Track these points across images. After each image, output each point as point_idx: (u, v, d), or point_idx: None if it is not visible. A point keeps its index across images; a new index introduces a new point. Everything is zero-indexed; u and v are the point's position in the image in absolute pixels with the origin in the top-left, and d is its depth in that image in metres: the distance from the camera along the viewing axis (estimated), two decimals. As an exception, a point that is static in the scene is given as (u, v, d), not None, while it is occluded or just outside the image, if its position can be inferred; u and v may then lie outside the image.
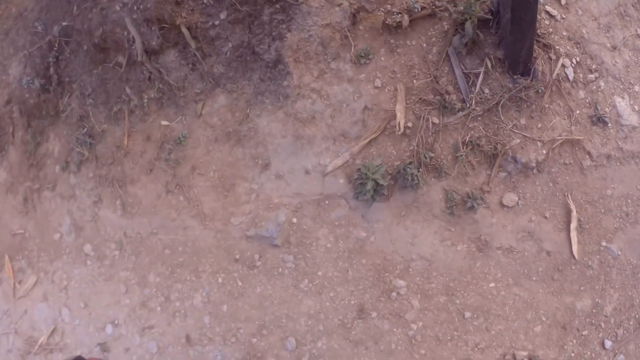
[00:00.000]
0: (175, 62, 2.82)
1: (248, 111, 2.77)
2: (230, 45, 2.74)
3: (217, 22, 2.72)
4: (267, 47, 2.69)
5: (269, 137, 2.74)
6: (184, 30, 2.71)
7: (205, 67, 2.78)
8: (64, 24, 3.14)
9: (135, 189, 3.06)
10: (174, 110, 2.87)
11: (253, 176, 2.78)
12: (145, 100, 2.94)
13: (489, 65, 2.70)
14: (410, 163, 2.62)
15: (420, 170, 2.66)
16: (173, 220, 2.95)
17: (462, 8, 2.59)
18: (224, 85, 2.76)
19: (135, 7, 2.83)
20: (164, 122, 2.92)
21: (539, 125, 2.85)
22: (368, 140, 2.68)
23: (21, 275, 3.57)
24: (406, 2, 2.69)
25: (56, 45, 3.26)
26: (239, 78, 2.76)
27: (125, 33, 2.87)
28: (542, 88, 2.81)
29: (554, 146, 2.86)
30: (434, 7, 2.67)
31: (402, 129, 2.64)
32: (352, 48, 2.66)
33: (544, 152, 2.87)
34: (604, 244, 3.04)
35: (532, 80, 2.78)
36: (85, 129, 3.20)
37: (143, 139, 3.00)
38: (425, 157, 2.65)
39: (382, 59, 2.70)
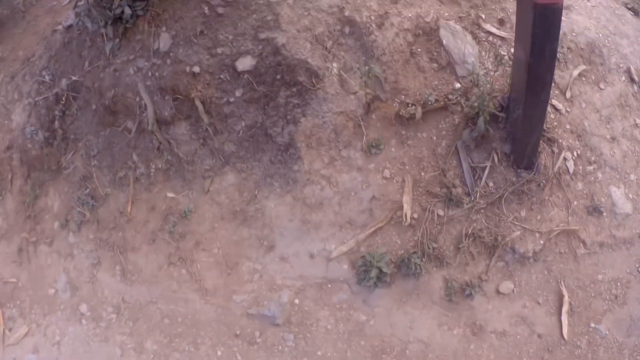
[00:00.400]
0: (186, 135, 2.68)
1: (256, 192, 2.64)
2: (243, 124, 2.61)
3: (232, 99, 2.59)
4: (280, 130, 2.57)
5: (275, 220, 2.63)
6: (198, 103, 2.57)
7: (216, 144, 2.65)
8: (73, 78, 2.95)
9: (136, 257, 2.91)
10: (180, 184, 2.73)
11: (257, 257, 2.66)
12: (152, 170, 2.79)
13: (495, 159, 2.66)
14: (415, 253, 2.55)
15: (424, 259, 2.62)
16: (174, 292, 2.82)
17: (475, 103, 2.55)
18: (233, 164, 2.63)
19: (150, 74, 2.67)
20: (170, 194, 2.77)
21: (538, 217, 2.83)
22: (374, 229, 2.60)
23: (12, 324, 3.40)
24: (420, 94, 2.62)
25: (64, 99, 3.06)
26: (250, 158, 2.64)
27: (137, 99, 2.71)
28: (544, 181, 2.79)
29: (550, 236, 2.85)
30: (447, 100, 2.59)
31: (408, 220, 2.59)
32: (364, 137, 2.57)
33: (541, 242, 2.86)
34: (592, 325, 3.06)
35: (534, 174, 2.77)
36: (88, 190, 3.02)
37: (147, 208, 2.84)
38: (429, 248, 2.58)
39: (393, 149, 2.62)
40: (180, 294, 2.82)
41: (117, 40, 2.71)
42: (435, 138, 2.65)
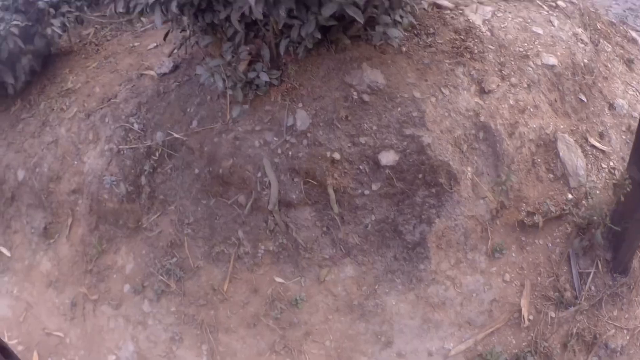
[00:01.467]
0: (310, 221, 2.20)
1: (376, 287, 2.22)
2: (373, 217, 2.19)
3: (366, 192, 2.18)
4: (411, 229, 2.19)
5: (396, 317, 2.23)
6: (331, 192, 2.14)
7: (340, 234, 2.19)
8: (174, 135, 2.35)
9: (229, 339, 2.37)
10: (291, 269, 2.24)
11: (373, 352, 2.23)
12: (261, 251, 2.26)
13: (599, 265, 2.57)
14: (529, 352, 2.31)
15: (536, 358, 2.44)
16: (273, 382, 2.40)
17: (593, 217, 2.36)
18: (354, 256, 2.21)
19: (280, 151, 2.18)
20: (279, 279, 2.26)
21: (626, 315, 2.71)
22: (492, 329, 2.33)
23: (51, 383, 2.72)
24: (538, 203, 2.39)
25: (157, 154, 2.41)
26: (373, 252, 2.22)
27: (259, 174, 2.19)
28: (633, 283, 2.74)
29: (634, 332, 2.77)
30: (562, 210, 2.44)
31: (526, 323, 2.36)
32: (489, 242, 2.29)
33: (627, 337, 2.73)
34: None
35: (627, 278, 2.77)
36: (176, 259, 2.40)
37: (248, 289, 2.30)
38: (541, 347, 2.37)
39: (513, 254, 2.36)
40: (280, 384, 2.39)
41: (246, 106, 2.19)
42: (550, 245, 2.48)
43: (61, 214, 2.82)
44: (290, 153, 2.19)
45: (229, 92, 2.14)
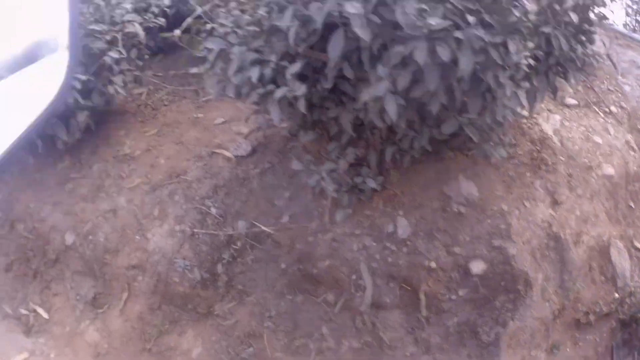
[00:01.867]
0: (397, 322, 2.29)
1: None
2: (455, 320, 2.34)
3: (453, 297, 2.31)
4: (488, 330, 2.36)
5: None
6: (422, 297, 2.26)
7: (423, 334, 2.36)
8: (261, 227, 2.32)
9: None
10: None
11: None
12: (344, 347, 2.31)
13: (635, 355, 2.89)
14: None
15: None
16: None
17: (638, 315, 2.68)
18: (433, 354, 2.33)
19: (378, 256, 2.24)
20: None
21: None
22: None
23: None
24: (592, 303, 2.71)
25: (238, 244, 2.40)
26: (450, 351, 2.36)
27: (354, 277, 2.25)
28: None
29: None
30: (610, 308, 2.77)
31: None
32: (549, 340, 2.56)
33: None
34: None
35: None
36: (252, 349, 2.41)
37: None
38: None
39: (568, 350, 2.64)
40: None
41: (349, 210, 2.21)
42: (598, 340, 2.78)
43: (115, 287, 2.67)
44: (389, 259, 2.27)
45: (333, 194, 2.16)
